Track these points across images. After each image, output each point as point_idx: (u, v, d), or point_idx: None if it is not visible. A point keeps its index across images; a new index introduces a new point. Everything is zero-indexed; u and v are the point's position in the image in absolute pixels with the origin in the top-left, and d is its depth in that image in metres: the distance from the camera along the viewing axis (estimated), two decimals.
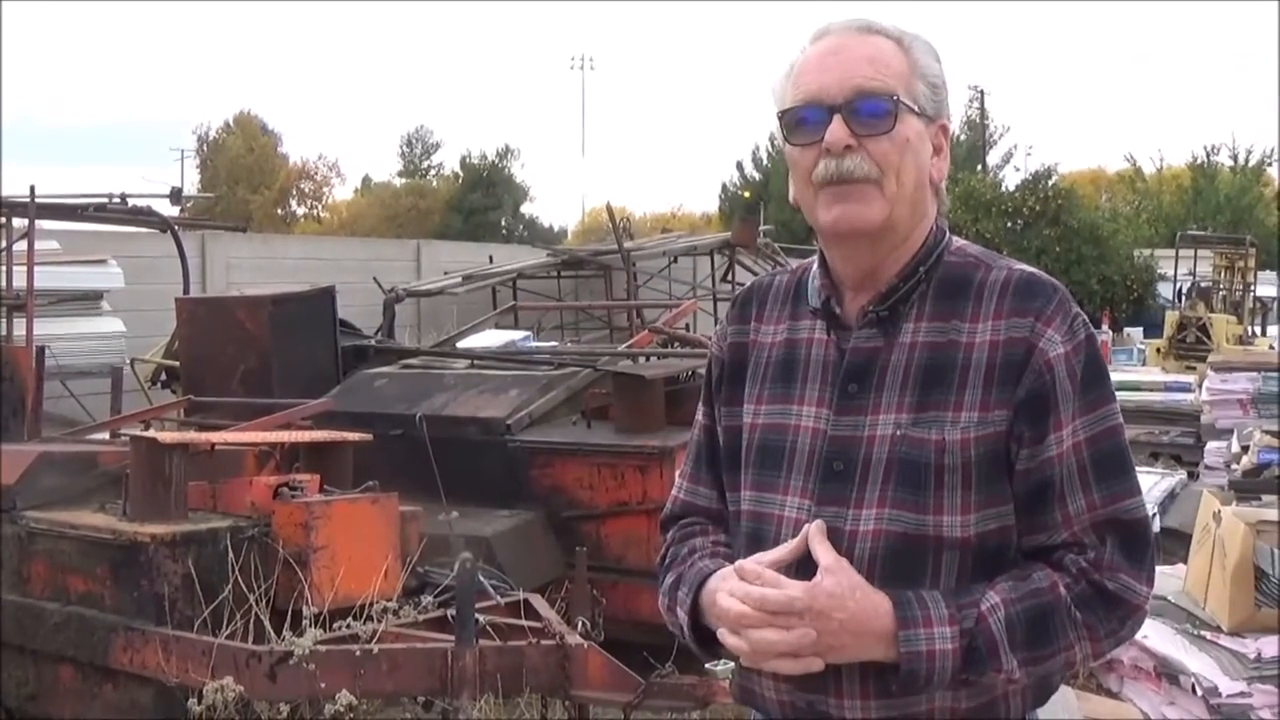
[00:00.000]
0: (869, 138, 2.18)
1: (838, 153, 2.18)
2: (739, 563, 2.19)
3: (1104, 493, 2.17)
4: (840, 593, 2.08)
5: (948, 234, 2.32)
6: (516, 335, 12.42)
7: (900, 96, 2.19)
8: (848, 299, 2.30)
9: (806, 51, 2.27)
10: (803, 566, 2.14)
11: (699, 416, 2.51)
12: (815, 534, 2.15)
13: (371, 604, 5.33)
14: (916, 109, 2.22)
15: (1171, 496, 8.71)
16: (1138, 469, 2.29)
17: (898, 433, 2.18)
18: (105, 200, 13.22)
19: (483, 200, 58.27)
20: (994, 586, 2.13)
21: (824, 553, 2.13)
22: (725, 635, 2.16)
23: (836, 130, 2.17)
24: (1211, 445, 10.70)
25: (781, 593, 2.09)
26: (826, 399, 2.26)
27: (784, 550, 2.17)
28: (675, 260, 22.16)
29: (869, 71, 2.19)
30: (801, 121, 2.23)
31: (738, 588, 2.14)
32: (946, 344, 2.20)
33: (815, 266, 2.36)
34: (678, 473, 2.58)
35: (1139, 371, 16.20)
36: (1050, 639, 2.13)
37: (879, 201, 2.19)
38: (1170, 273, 27.88)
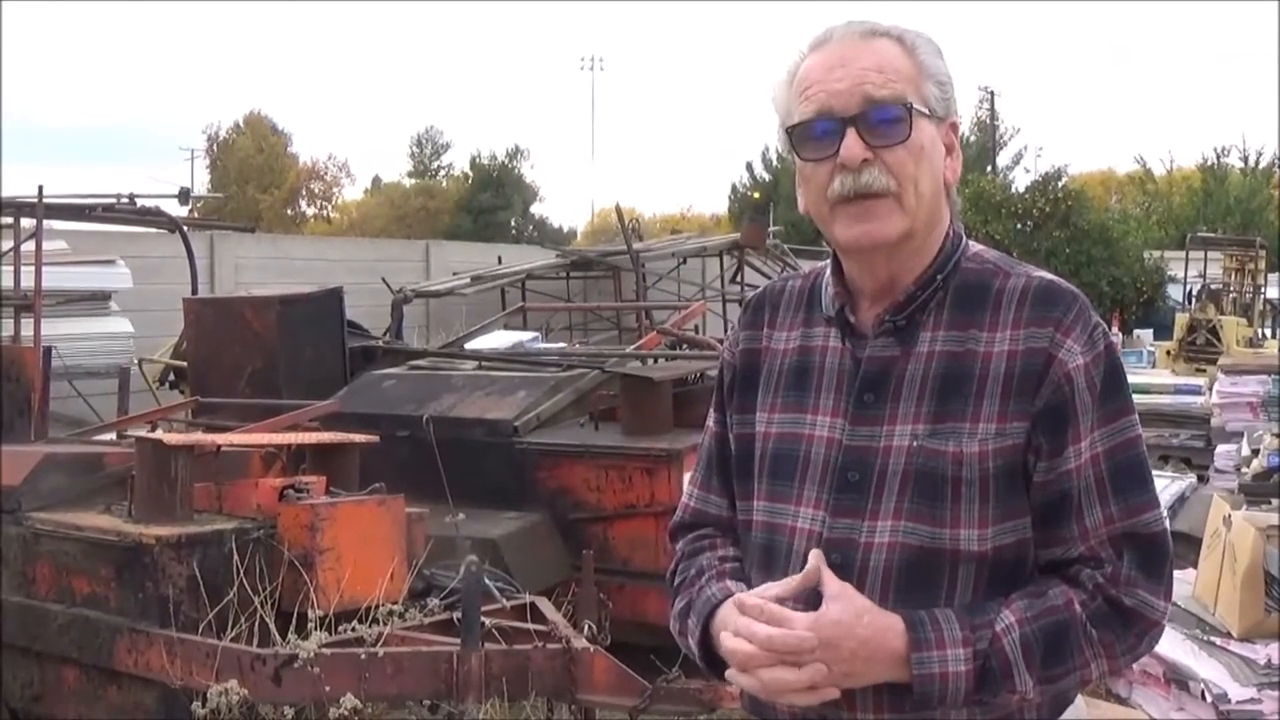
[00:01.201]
0: (884, 148, 2.14)
1: (854, 167, 2.14)
2: (740, 597, 2.15)
3: (1122, 506, 2.14)
4: (847, 620, 2.04)
5: (964, 239, 2.29)
6: (525, 336, 12.40)
7: (912, 102, 2.16)
8: (863, 307, 2.27)
9: (808, 60, 2.22)
10: (812, 596, 2.10)
11: (710, 423, 2.48)
12: (818, 561, 2.12)
13: (377, 606, 5.32)
14: (928, 111, 2.18)
15: (1181, 500, 8.68)
16: (1153, 477, 2.25)
17: (914, 444, 2.15)
18: (113, 200, 13.19)
19: (492, 201, 58.23)
20: (1009, 605, 2.10)
21: (827, 580, 2.09)
22: (735, 675, 2.12)
23: (852, 144, 2.13)
24: (1221, 448, 10.68)
25: (788, 634, 2.04)
26: (841, 408, 2.23)
27: (788, 586, 2.13)
28: (684, 261, 22.17)
29: (878, 79, 2.15)
30: (813, 135, 2.18)
31: (742, 626, 2.09)
32: (964, 353, 2.17)
33: (829, 273, 2.32)
34: (687, 479, 2.55)
35: (1149, 374, 16.14)
36: (1065, 658, 2.10)
37: (898, 216, 2.16)
38: (1180, 275, 27.82)
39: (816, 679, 2.04)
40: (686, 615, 2.31)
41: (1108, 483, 2.13)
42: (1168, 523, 2.23)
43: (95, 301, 13.75)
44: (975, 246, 2.30)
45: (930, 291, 2.22)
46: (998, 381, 2.13)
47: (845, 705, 2.13)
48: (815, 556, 2.13)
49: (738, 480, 2.38)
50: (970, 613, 2.09)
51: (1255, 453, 8.80)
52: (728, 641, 2.12)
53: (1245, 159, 50.72)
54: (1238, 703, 4.90)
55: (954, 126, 2.26)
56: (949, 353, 2.18)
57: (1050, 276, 2.22)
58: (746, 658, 2.07)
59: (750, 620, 2.09)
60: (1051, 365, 2.12)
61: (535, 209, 65.04)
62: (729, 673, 2.14)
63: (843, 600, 2.07)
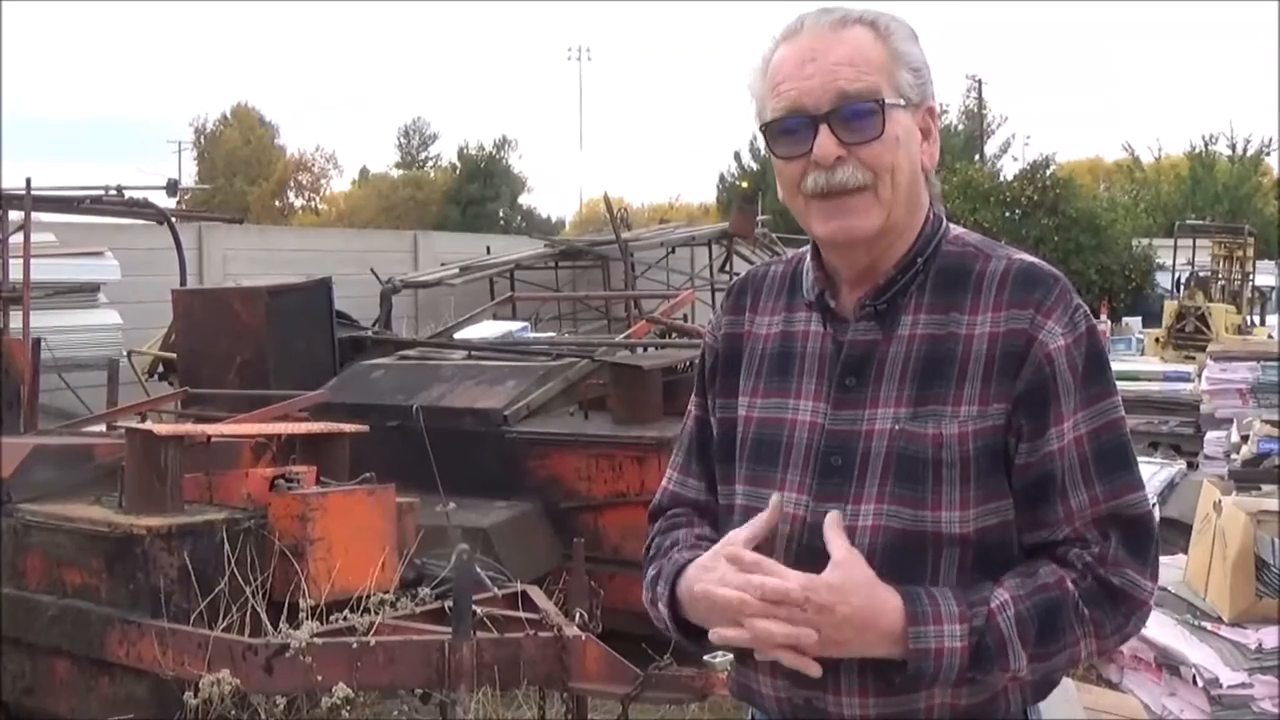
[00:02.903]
0: (858, 145, 2.13)
1: (827, 165, 2.13)
2: (728, 550, 2.13)
3: (1106, 487, 2.14)
4: (844, 586, 2.04)
5: (945, 222, 2.28)
6: (514, 326, 12.37)
7: (885, 96, 2.14)
8: (844, 291, 2.26)
9: (779, 51, 2.21)
10: (818, 559, 2.09)
11: (691, 407, 2.48)
12: (832, 524, 2.11)
13: (368, 596, 5.32)
14: (902, 101, 2.17)
15: (1171, 486, 8.68)
16: (1136, 459, 2.26)
17: (896, 427, 2.15)
18: (101, 192, 13.16)
19: (480, 191, 58.14)
20: (1002, 584, 2.10)
21: (837, 546, 2.09)
22: (722, 630, 2.10)
23: (825, 143, 2.12)
24: (1211, 435, 10.70)
25: (781, 582, 2.04)
26: (823, 393, 2.23)
27: (751, 528, 2.14)
28: (673, 251, 22.08)
29: (850, 74, 2.13)
30: (786, 133, 2.18)
31: (735, 577, 2.09)
32: (945, 336, 2.17)
33: (810, 258, 2.32)
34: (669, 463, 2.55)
35: (1138, 361, 16.19)
36: (1058, 636, 2.10)
37: (875, 209, 2.15)
38: (1169, 262, 27.88)
39: (805, 638, 2.03)
40: (656, 583, 2.31)
41: (1092, 464, 2.14)
42: (1155, 506, 2.23)
43: (84, 293, 13.74)
44: (956, 229, 2.30)
45: (910, 275, 2.22)
46: (979, 364, 2.14)
47: (830, 690, 2.14)
48: (833, 518, 2.12)
49: (719, 464, 2.38)
50: (965, 590, 2.09)
51: (1245, 439, 8.83)
52: (717, 592, 2.10)
53: (1233, 146, 50.91)
54: (1229, 687, 4.91)
55: (931, 111, 2.25)
56: (930, 336, 2.18)
57: (1031, 259, 2.22)
58: (738, 604, 2.06)
59: (745, 574, 2.08)
60: (1032, 346, 2.12)
61: (523, 199, 64.97)
62: (714, 631, 2.12)
63: (844, 567, 2.06)
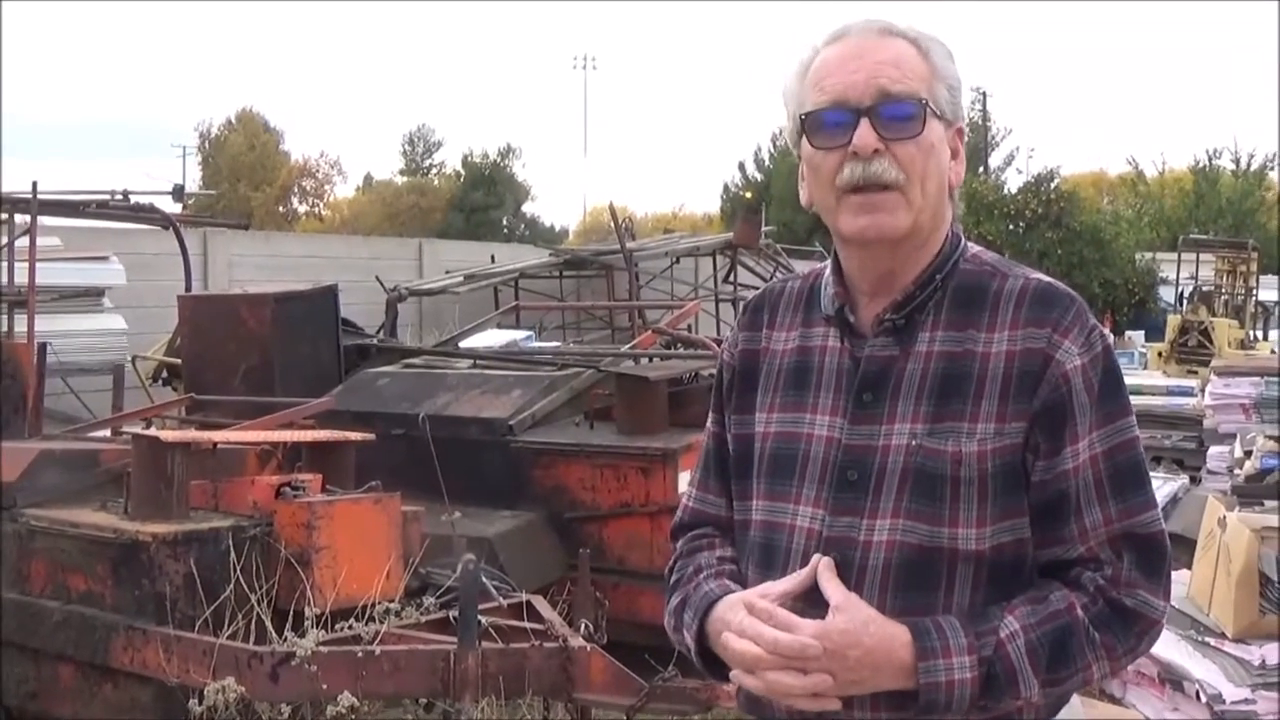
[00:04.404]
0: (897, 142, 2.15)
1: (865, 156, 2.15)
2: (749, 599, 2.15)
3: (1120, 506, 2.15)
4: (853, 629, 2.05)
5: (963, 240, 2.30)
6: (518, 335, 12.41)
7: (926, 99, 2.17)
8: (862, 306, 2.28)
9: (823, 53, 2.24)
10: (813, 596, 2.11)
11: (709, 424, 2.48)
12: (824, 570, 2.12)
13: (373, 605, 5.32)
14: (938, 113, 2.20)
15: (1174, 501, 8.71)
16: (1150, 478, 2.27)
17: (913, 443, 2.16)
18: (107, 197, 13.14)
19: (484, 199, 58.19)
20: (1012, 611, 2.11)
21: (834, 590, 2.10)
22: (740, 676, 2.13)
23: (865, 134, 2.14)
24: (1214, 450, 10.71)
25: (794, 639, 2.05)
26: (840, 407, 2.24)
27: (792, 582, 2.14)
28: (677, 261, 22.10)
29: (894, 74, 2.17)
30: (826, 124, 2.20)
31: (749, 627, 2.10)
32: (963, 354, 2.18)
33: (828, 273, 2.33)
34: (684, 478, 2.56)
35: (1140, 375, 16.18)
36: (1069, 661, 2.11)
37: (904, 210, 2.17)
38: (1172, 276, 27.91)
39: (821, 687, 2.05)
40: (682, 611, 2.32)
41: (1106, 484, 2.15)
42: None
43: (89, 298, 13.70)
44: (973, 248, 2.31)
45: (929, 291, 2.23)
46: (996, 381, 2.15)
47: (843, 705, 2.14)
48: (825, 564, 2.13)
49: (736, 480, 2.38)
50: (974, 620, 2.10)
51: (1248, 454, 8.83)
52: (733, 643, 2.12)
53: (1237, 161, 50.85)
54: (1232, 703, 4.92)
55: (960, 132, 2.28)
56: (947, 353, 2.19)
57: (1047, 279, 2.24)
58: (753, 659, 2.08)
59: (757, 622, 2.10)
60: (1049, 366, 2.13)
61: (527, 208, 65.07)
62: (734, 674, 2.15)
63: (848, 610, 2.07)
